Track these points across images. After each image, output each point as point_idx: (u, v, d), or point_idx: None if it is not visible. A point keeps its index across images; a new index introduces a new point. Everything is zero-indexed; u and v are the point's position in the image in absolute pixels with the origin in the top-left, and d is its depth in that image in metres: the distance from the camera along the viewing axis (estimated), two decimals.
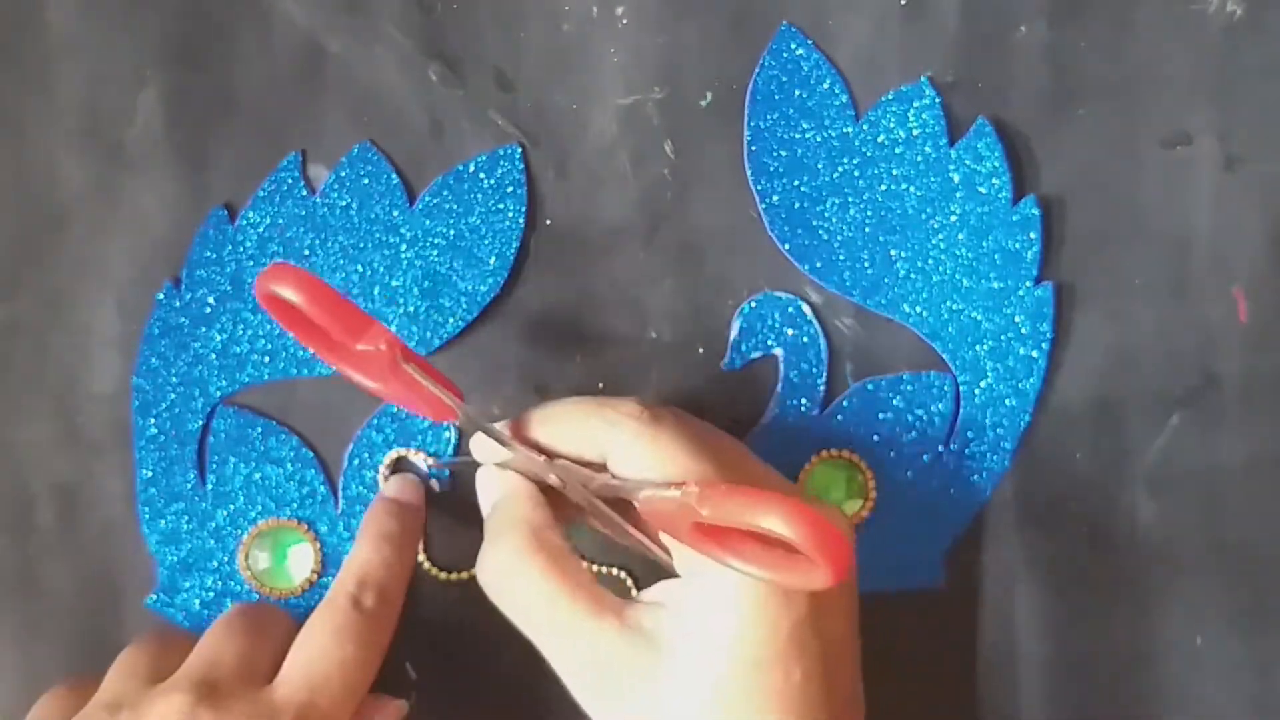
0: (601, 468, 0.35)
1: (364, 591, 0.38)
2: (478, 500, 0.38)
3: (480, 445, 0.38)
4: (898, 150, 0.42)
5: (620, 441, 0.34)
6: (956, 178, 0.42)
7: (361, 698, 0.37)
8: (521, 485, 0.36)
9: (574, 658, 0.34)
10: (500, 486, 0.37)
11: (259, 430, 0.42)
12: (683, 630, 0.33)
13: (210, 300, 0.42)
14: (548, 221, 0.42)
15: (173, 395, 0.42)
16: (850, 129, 0.42)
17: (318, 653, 0.37)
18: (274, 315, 0.35)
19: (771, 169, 0.42)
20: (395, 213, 0.42)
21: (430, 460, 0.42)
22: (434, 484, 0.42)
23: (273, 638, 0.38)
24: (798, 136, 0.42)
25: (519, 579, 0.34)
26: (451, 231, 0.42)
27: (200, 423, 0.42)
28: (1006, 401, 0.42)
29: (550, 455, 0.36)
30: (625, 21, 0.42)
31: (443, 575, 0.42)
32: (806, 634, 0.33)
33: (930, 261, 0.42)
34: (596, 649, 0.33)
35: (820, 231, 0.42)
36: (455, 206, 0.42)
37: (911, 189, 0.42)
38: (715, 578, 0.32)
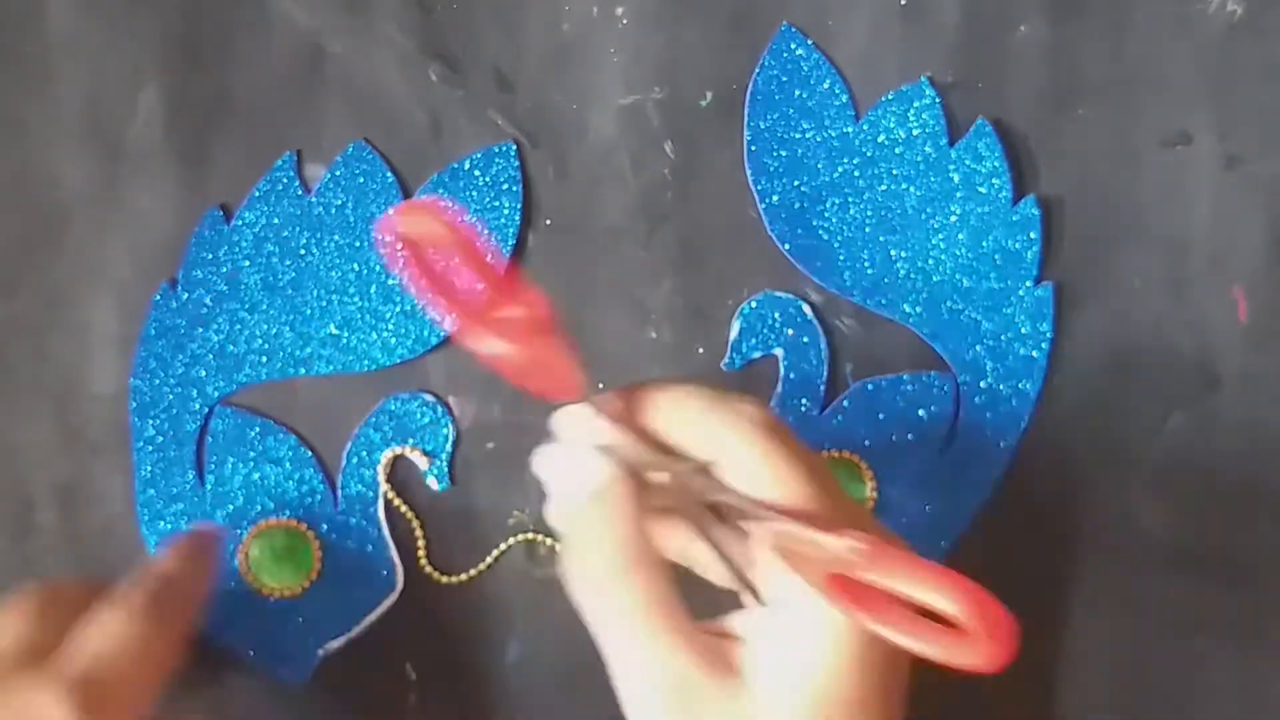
0: (702, 468, 0.32)
1: (157, 584, 0.37)
2: (543, 478, 0.34)
3: (571, 422, 0.34)
4: (898, 150, 0.42)
5: (736, 445, 0.32)
6: (956, 178, 0.42)
7: (156, 680, 0.36)
8: (627, 481, 0.33)
9: (649, 680, 0.32)
10: (598, 474, 0.33)
11: (257, 430, 0.42)
12: (769, 662, 0.31)
13: (207, 301, 0.42)
14: (547, 221, 0.42)
15: (170, 396, 0.42)
16: (850, 129, 0.42)
17: (100, 629, 0.36)
18: (401, 253, 0.31)
19: (771, 169, 0.42)
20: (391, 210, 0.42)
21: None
22: (433, 483, 0.42)
23: (67, 614, 0.37)
24: (798, 136, 0.42)
25: (616, 592, 0.32)
26: None
27: (198, 423, 0.42)
28: (1007, 401, 0.42)
29: (664, 449, 0.33)
30: (625, 21, 0.42)
31: (444, 578, 0.42)
32: (893, 673, 0.32)
33: (930, 261, 0.42)
34: (676, 674, 0.31)
35: (820, 231, 0.42)
36: (451, 204, 0.42)
37: (911, 189, 0.42)
38: (808, 610, 0.31)
